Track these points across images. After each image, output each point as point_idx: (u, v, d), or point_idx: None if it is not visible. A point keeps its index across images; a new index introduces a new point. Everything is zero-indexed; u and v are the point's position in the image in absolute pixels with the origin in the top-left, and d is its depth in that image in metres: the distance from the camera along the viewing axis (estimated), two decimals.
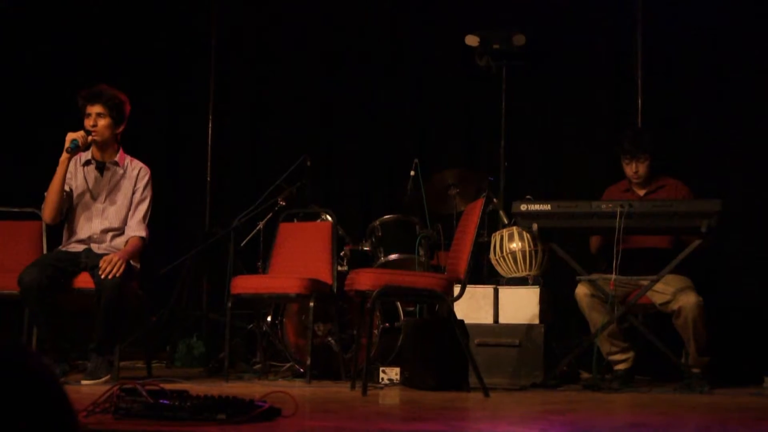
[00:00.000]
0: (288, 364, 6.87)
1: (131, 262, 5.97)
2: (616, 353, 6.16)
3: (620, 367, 6.15)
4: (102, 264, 5.76)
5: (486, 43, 7.48)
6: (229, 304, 6.30)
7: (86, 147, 6.09)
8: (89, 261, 5.95)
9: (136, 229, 6.13)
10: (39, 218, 6.49)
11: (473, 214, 5.49)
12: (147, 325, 6.83)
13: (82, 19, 8.79)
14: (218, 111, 8.90)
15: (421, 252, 6.74)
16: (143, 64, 8.85)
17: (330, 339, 6.64)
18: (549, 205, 6.03)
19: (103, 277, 5.73)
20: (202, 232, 8.28)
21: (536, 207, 6.04)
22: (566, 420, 4.05)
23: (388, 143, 8.57)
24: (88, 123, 6.08)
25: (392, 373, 6.10)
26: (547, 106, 8.13)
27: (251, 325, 7.27)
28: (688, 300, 5.91)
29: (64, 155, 5.97)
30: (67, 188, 6.08)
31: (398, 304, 6.68)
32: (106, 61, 8.65)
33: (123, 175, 6.19)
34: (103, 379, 5.67)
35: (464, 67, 8.07)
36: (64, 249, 6.13)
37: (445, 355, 5.69)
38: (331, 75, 8.81)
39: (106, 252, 5.97)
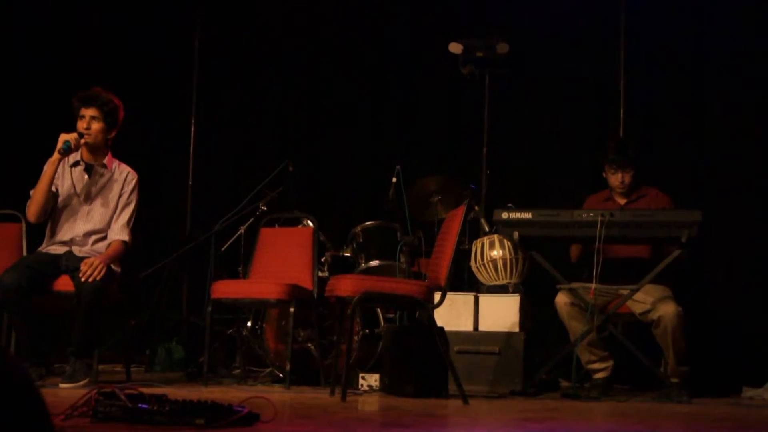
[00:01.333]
0: (267, 370, 6.86)
1: (112, 265, 5.96)
2: (595, 362, 6.17)
3: (599, 375, 6.17)
4: (83, 267, 5.76)
5: (469, 50, 7.49)
6: (209, 309, 6.29)
7: (77, 148, 6.09)
8: (70, 264, 5.94)
9: (119, 233, 6.12)
10: (19, 220, 6.47)
11: (454, 221, 5.50)
12: (126, 329, 6.81)
13: (65, 21, 8.78)
14: (201, 115, 8.88)
15: (402, 259, 6.75)
16: (126, 68, 8.83)
17: (310, 345, 6.64)
18: (530, 214, 6.05)
19: (83, 280, 5.72)
20: (183, 235, 8.27)
21: (517, 215, 6.06)
22: (545, 428, 4.06)
23: (371, 149, 8.57)
24: (81, 125, 6.07)
25: (372, 380, 6.09)
26: (529, 114, 8.14)
27: (231, 330, 7.26)
28: (668, 310, 5.92)
29: (56, 155, 5.97)
30: (53, 188, 6.07)
31: (378, 310, 6.68)
32: (89, 63, 8.63)
33: (110, 179, 6.19)
34: (82, 382, 5.65)
35: (447, 75, 8.07)
36: (44, 251, 6.11)
37: (425, 362, 5.70)
38: (313, 80, 8.82)
39: (87, 255, 5.96)
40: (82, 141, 6.05)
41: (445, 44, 7.52)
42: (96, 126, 6.09)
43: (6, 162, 7.97)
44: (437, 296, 5.45)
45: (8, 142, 8.21)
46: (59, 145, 5.95)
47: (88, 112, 6.09)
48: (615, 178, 6.39)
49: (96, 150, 6.17)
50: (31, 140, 6.03)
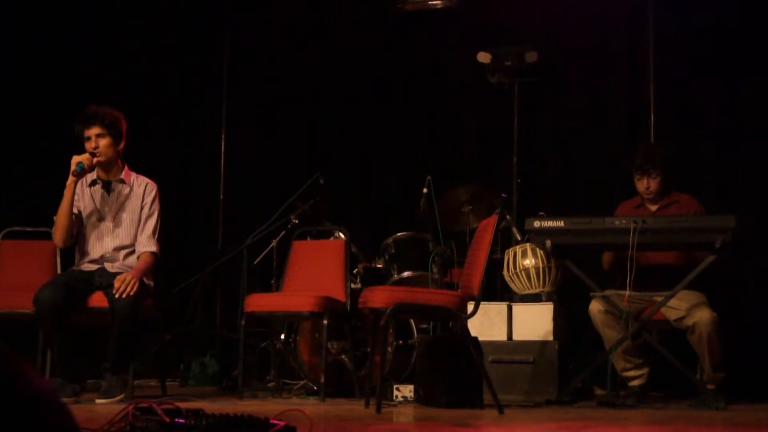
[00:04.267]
0: (302, 382, 6.86)
1: (145, 280, 5.98)
2: (630, 369, 6.15)
3: (635, 383, 6.14)
4: (116, 283, 5.77)
5: (498, 59, 7.50)
6: (243, 322, 6.31)
7: (91, 169, 6.11)
8: (103, 280, 5.96)
9: (146, 244, 6.14)
10: (52, 238, 6.51)
11: (487, 231, 5.49)
12: (161, 344, 6.83)
13: (95, 40, 8.83)
14: (231, 128, 8.91)
15: (435, 269, 6.74)
16: (156, 83, 8.88)
17: (343, 357, 6.65)
18: (562, 222, 6.03)
19: (117, 296, 5.74)
20: (215, 250, 8.29)
21: (549, 223, 6.04)
22: None
23: (401, 160, 8.58)
24: (90, 146, 6.08)
25: (406, 391, 6.09)
26: (559, 122, 8.13)
27: (265, 343, 7.27)
28: (703, 316, 5.89)
29: (71, 179, 5.99)
30: (75, 210, 6.10)
31: (412, 321, 6.68)
32: (120, 81, 8.69)
33: (130, 193, 6.20)
34: (118, 397, 5.66)
35: (477, 84, 8.07)
36: (77, 269, 6.15)
37: (460, 372, 5.69)
38: (343, 92, 8.82)
39: (119, 271, 5.98)
40: (95, 160, 6.07)
41: (474, 54, 7.53)
42: (103, 142, 6.09)
43: (40, 180, 8.02)
44: (470, 306, 5.44)
45: (42, 159, 8.26)
46: (72, 167, 5.97)
47: (92, 131, 6.09)
48: (641, 184, 6.36)
49: (110, 166, 6.19)
50: (64, 158, 6.04)
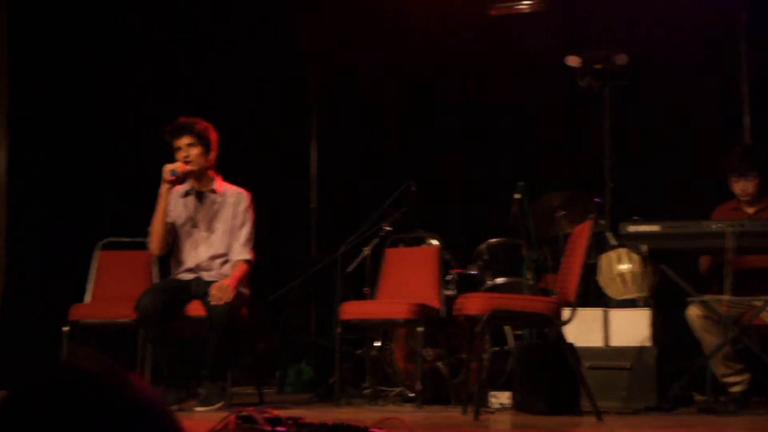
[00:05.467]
0: (397, 389, 6.85)
1: (240, 288, 6.03)
2: (730, 375, 6.03)
3: (736, 389, 6.02)
4: (212, 291, 5.83)
5: (587, 63, 7.41)
6: (339, 330, 6.33)
7: (184, 178, 6.17)
8: (199, 289, 6.03)
9: (240, 252, 6.19)
10: (148, 247, 6.57)
11: (582, 236, 5.44)
12: (257, 351, 6.87)
13: (182, 48, 8.91)
14: (321, 136, 8.94)
15: (529, 275, 6.69)
16: (244, 91, 8.93)
17: (439, 364, 6.62)
18: (658, 226, 5.94)
19: (213, 303, 5.79)
20: (308, 258, 8.33)
21: (645, 228, 5.95)
22: None
23: (492, 166, 8.52)
24: (181, 155, 6.16)
25: (503, 398, 6.05)
26: (651, 125, 8.02)
27: (359, 351, 7.27)
28: None
29: (164, 187, 6.07)
30: (170, 220, 6.18)
31: (506, 327, 6.63)
32: (209, 87, 8.75)
33: (222, 203, 6.26)
34: (217, 405, 5.71)
35: (567, 88, 8.00)
36: (174, 278, 6.22)
37: (557, 379, 5.64)
38: (432, 98, 8.79)
39: (215, 279, 6.03)
40: (187, 168, 6.14)
41: (563, 57, 7.46)
42: (194, 151, 6.16)
43: (136, 191, 8.10)
44: (566, 312, 5.39)
45: (137, 171, 8.36)
46: (166, 175, 6.04)
47: (182, 141, 6.17)
48: (738, 187, 6.25)
49: (202, 176, 6.25)
50: (159, 169, 6.11)
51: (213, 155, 6.24)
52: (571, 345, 5.53)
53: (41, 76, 8.39)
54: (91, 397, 1.37)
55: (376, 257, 7.12)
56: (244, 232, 6.23)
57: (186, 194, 6.27)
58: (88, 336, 6.58)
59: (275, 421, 3.65)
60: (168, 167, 6.06)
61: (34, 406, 1.36)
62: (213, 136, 6.24)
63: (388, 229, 7.19)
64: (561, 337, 5.42)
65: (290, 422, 3.66)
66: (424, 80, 8.84)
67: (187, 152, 6.15)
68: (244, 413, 3.74)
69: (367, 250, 7.28)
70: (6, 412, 1.36)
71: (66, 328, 6.36)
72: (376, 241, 7.24)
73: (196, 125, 6.18)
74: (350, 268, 7.32)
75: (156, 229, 6.12)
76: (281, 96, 9.14)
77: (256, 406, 5.20)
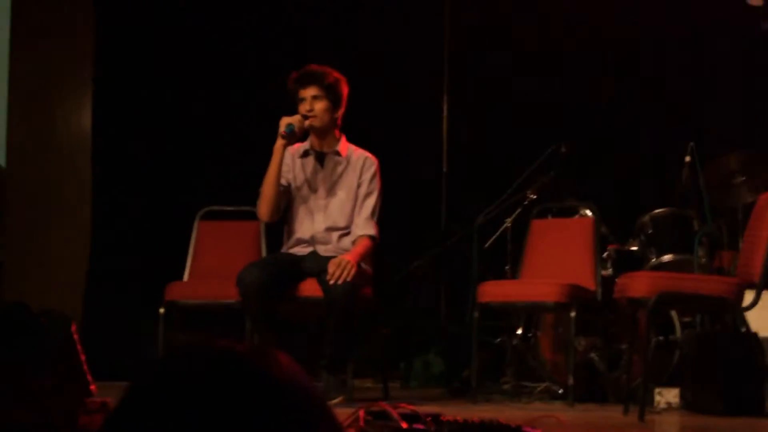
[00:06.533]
0: (543, 384, 6.81)
1: (362, 265, 6.00)
2: None
3: None
4: (330, 268, 5.79)
5: None
6: (476, 315, 6.30)
7: (303, 135, 6.15)
8: (315, 265, 6.01)
9: (363, 227, 6.16)
10: (256, 218, 6.57)
11: None
12: (380, 339, 6.87)
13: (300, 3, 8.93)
14: (454, 92, 8.88)
15: (701, 252, 6.58)
16: (372, 50, 8.90)
17: (593, 355, 6.56)
18: None
19: (332, 283, 5.76)
20: (439, 231, 8.30)
21: None
22: None
23: (657, 124, 8.39)
24: (304, 108, 6.10)
25: (670, 395, 5.96)
26: None
27: (498, 339, 7.24)
28: None
29: (279, 142, 6.04)
30: (284, 182, 6.16)
31: (673, 313, 6.53)
32: (325, 46, 8.75)
33: (346, 167, 6.23)
34: (337, 400, 5.71)
35: (746, 32, 7.83)
36: (285, 252, 6.23)
37: (736, 374, 5.55)
38: (585, 48, 8.66)
39: (333, 254, 6.01)
40: (307, 123, 6.08)
41: None
42: (320, 105, 6.10)
43: (242, 154, 8.16)
44: (749, 296, 5.30)
45: (244, 132, 8.41)
46: (281, 129, 6.00)
47: (308, 92, 6.10)
48: None
49: (325, 134, 6.22)
50: (270, 130, 6.12)
51: (340, 112, 6.20)
52: (754, 334, 5.44)
53: (128, 25, 8.48)
54: (250, 381, 1.37)
55: (520, 230, 7.07)
56: (369, 203, 6.20)
57: (305, 154, 6.26)
58: (188, 318, 6.66)
59: (412, 418, 3.63)
60: (285, 120, 6.03)
61: (187, 391, 1.36)
62: (344, 90, 6.18)
63: (534, 197, 7.12)
64: (742, 324, 5.33)
65: (429, 419, 3.64)
66: (574, 28, 8.69)
67: (312, 105, 6.09)
68: (375, 408, 3.73)
69: (508, 222, 7.23)
70: (152, 395, 1.36)
71: (162, 310, 6.45)
72: (519, 211, 7.20)
73: (327, 76, 6.12)
74: (488, 243, 7.29)
75: (267, 191, 6.09)
76: (411, 50, 9.06)
77: (380, 401, 5.21)
